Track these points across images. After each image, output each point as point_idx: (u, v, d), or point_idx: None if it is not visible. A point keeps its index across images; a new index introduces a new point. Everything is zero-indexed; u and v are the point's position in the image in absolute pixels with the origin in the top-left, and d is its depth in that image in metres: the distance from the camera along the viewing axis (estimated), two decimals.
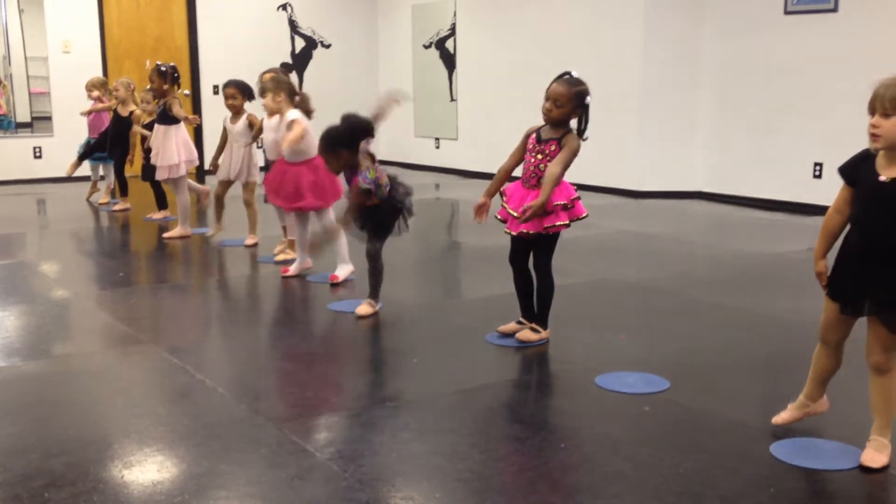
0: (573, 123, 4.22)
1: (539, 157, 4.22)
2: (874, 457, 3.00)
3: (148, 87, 7.61)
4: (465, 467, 3.02)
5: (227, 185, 7.06)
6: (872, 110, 2.84)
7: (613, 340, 4.54)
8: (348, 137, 4.72)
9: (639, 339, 4.60)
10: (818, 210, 7.12)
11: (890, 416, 3.05)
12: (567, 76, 4.18)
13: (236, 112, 6.78)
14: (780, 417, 3.26)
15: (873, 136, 2.85)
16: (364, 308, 4.98)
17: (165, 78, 7.18)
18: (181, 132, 7.40)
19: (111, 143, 8.81)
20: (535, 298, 4.44)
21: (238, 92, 6.70)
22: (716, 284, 5.76)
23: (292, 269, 5.96)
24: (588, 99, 4.16)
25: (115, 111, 8.80)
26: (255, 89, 6.36)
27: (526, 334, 4.41)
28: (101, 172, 9.52)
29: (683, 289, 5.60)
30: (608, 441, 3.25)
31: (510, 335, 4.48)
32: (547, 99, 4.16)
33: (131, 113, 8.60)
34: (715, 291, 5.55)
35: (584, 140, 4.21)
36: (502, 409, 3.65)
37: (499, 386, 3.89)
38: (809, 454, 3.08)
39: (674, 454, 3.12)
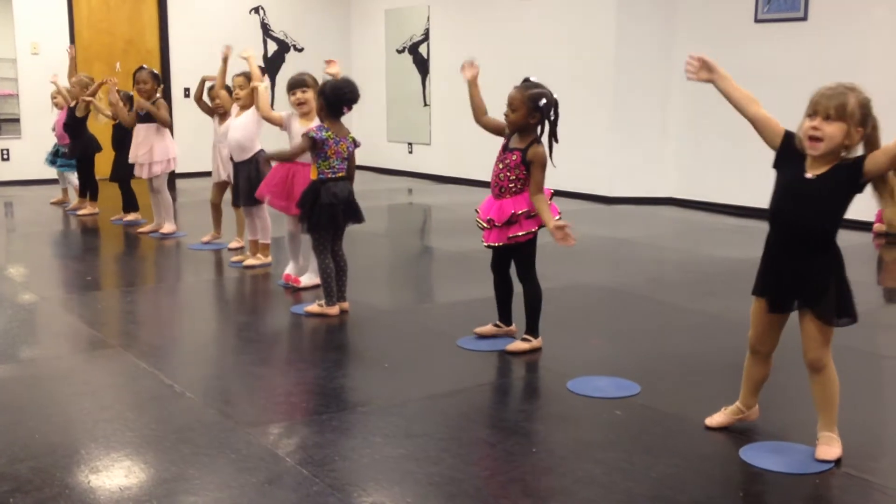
0: (541, 130, 4.20)
1: (501, 166, 4.23)
2: (827, 451, 3.06)
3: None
4: (437, 472, 3.01)
5: (222, 188, 6.98)
6: (814, 113, 2.90)
7: (585, 345, 4.55)
8: (330, 96, 4.87)
9: (610, 343, 4.61)
10: None
11: (833, 411, 3.10)
12: (525, 81, 4.18)
13: (225, 112, 6.65)
14: (714, 420, 3.30)
15: (813, 141, 2.91)
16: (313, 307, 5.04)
17: (158, 81, 7.49)
18: (163, 132, 7.46)
19: (72, 144, 8.62)
20: (524, 307, 4.39)
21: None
22: (686, 289, 5.79)
23: (302, 281, 5.64)
24: (543, 102, 4.07)
25: (70, 110, 8.58)
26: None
27: (516, 345, 4.34)
28: (72, 181, 9.19)
29: (654, 293, 5.62)
30: (579, 445, 3.26)
31: (487, 337, 4.47)
32: (507, 105, 4.17)
33: (77, 105, 8.45)
34: (685, 296, 5.58)
35: (556, 143, 4.20)
36: (474, 413, 3.65)
37: (470, 390, 3.88)
38: (779, 458, 3.10)
39: (645, 458, 3.13)
